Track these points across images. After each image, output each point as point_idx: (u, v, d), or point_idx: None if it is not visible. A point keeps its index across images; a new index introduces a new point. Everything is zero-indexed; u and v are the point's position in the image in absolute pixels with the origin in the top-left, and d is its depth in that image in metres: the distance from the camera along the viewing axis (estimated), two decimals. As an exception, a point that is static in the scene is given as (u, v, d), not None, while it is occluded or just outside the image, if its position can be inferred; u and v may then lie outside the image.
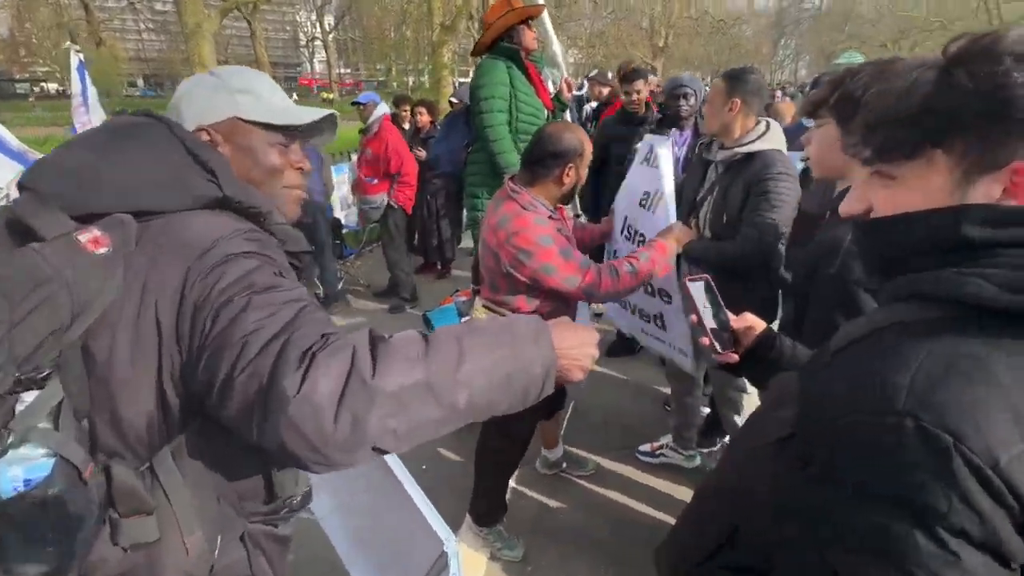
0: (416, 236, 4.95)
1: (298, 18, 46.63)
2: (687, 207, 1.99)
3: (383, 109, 4.11)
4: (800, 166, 2.90)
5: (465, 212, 2.87)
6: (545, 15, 2.62)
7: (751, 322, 0.92)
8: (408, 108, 4.94)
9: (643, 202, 1.97)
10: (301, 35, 48.18)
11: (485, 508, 1.99)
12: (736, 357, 0.91)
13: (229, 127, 0.82)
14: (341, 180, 5.29)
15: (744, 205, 1.76)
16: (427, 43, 18.30)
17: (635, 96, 3.12)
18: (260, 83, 0.87)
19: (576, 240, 1.86)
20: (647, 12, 24.86)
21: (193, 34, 13.69)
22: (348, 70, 51.68)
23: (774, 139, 1.78)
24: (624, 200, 2.14)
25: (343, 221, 5.31)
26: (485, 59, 2.53)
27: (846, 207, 0.63)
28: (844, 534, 0.47)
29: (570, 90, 2.94)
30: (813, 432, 0.52)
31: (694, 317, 0.93)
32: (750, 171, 1.75)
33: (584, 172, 1.66)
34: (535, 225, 1.55)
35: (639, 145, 2.06)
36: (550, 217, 1.62)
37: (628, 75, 3.21)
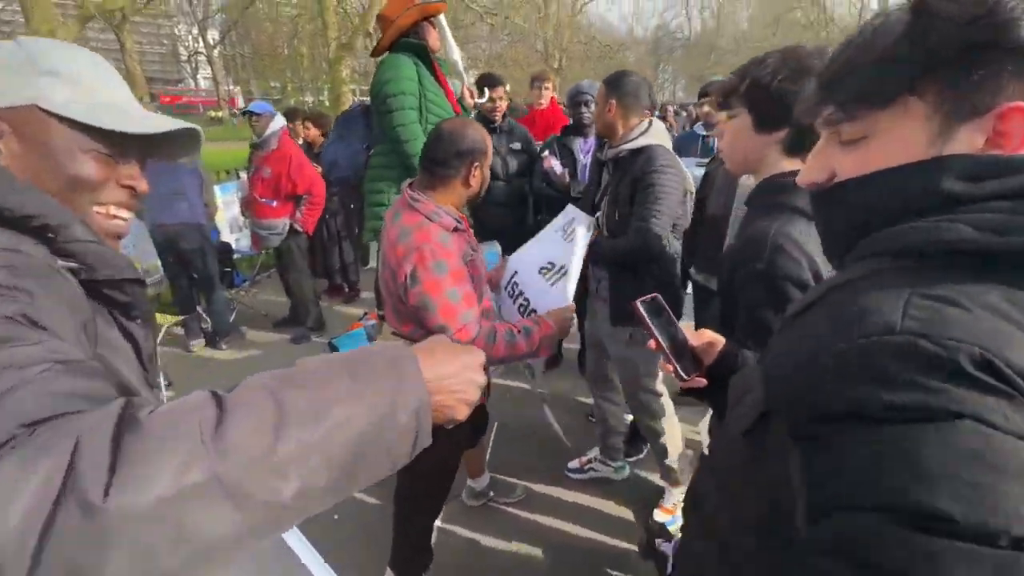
0: (317, 257, 4.59)
1: (177, 31, 43.01)
2: (589, 209, 2.01)
3: (280, 122, 3.68)
4: (699, 171, 3.03)
5: (367, 222, 2.56)
6: (443, 20, 2.43)
7: (710, 338, 0.85)
8: (302, 122, 4.58)
9: (544, 270, 1.84)
10: (182, 49, 44.44)
11: (408, 557, 1.76)
12: (704, 381, 0.83)
13: (23, 116, 0.61)
14: (230, 200, 4.78)
15: (632, 200, 1.81)
16: (323, 60, 17.62)
17: (497, 103, 2.92)
18: (83, 67, 0.66)
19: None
20: (541, 36, 26.00)
21: (44, 43, 12.07)
22: (237, 87, 48.59)
23: (656, 135, 1.85)
24: (524, 259, 1.99)
25: (234, 246, 4.80)
26: (389, 55, 2.31)
27: (805, 177, 0.57)
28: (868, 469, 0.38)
29: (473, 97, 2.79)
30: (794, 389, 0.46)
31: (652, 343, 0.85)
32: (635, 167, 1.81)
33: (488, 172, 1.54)
34: (436, 243, 1.37)
35: (565, 210, 1.97)
36: (455, 229, 1.45)
37: (484, 80, 3.01)
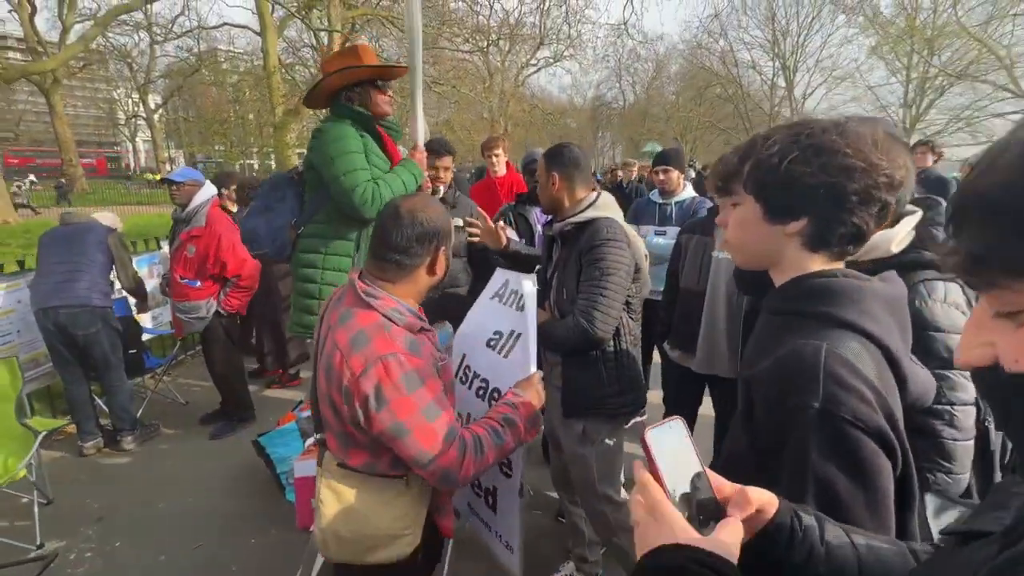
0: (249, 331, 4.11)
1: (115, 95, 41.89)
2: (541, 285, 1.82)
3: (210, 191, 3.25)
4: (658, 239, 2.91)
5: (294, 313, 2.15)
6: (418, 94, 2.03)
7: (759, 503, 0.56)
8: (234, 187, 4.21)
9: (491, 343, 1.64)
10: (121, 113, 43.17)
11: None
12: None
13: None
14: (147, 274, 4.28)
15: (579, 277, 1.65)
16: (270, 124, 17.45)
17: (441, 173, 2.63)
18: None
19: None
20: (487, 104, 27.14)
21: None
22: (179, 151, 47.44)
23: (604, 207, 1.72)
24: (467, 338, 1.78)
25: (148, 324, 4.25)
26: (332, 123, 1.99)
27: (964, 358, 0.41)
28: None
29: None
30: None
31: (656, 490, 0.54)
32: (581, 241, 1.67)
33: (451, 255, 1.31)
34: (405, 353, 1.10)
35: (494, 276, 1.79)
36: (421, 330, 1.20)
37: (429, 147, 2.48)
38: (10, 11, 22.36)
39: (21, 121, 41.18)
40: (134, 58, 29.77)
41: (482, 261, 2.56)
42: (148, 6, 19.04)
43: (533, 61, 29.70)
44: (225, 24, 26.18)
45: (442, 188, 2.67)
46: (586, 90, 38.31)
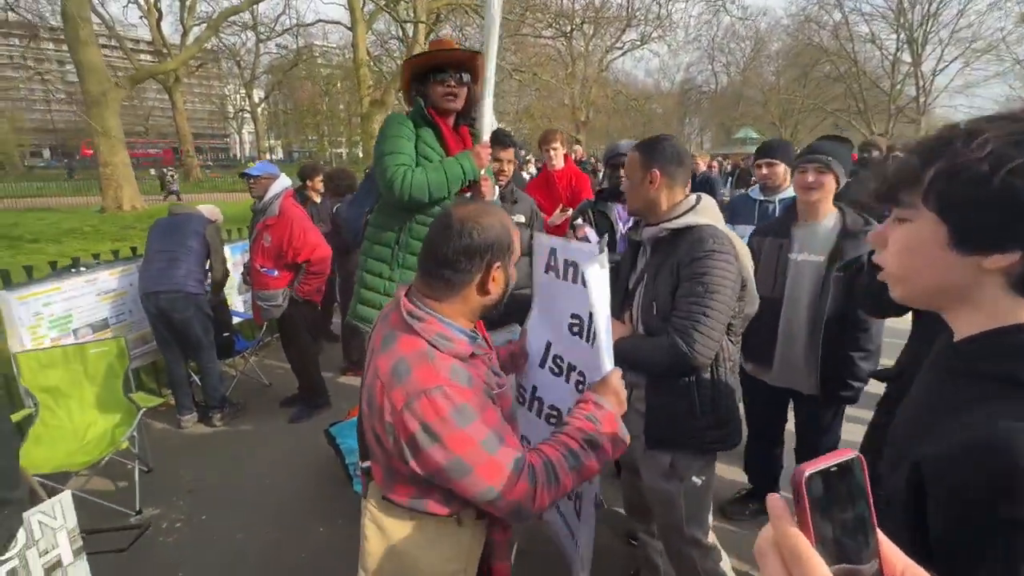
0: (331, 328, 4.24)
1: (226, 91, 45.94)
2: (620, 297, 1.61)
3: (284, 183, 3.36)
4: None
5: (353, 304, 2.11)
6: (489, 85, 1.90)
7: None
8: (319, 179, 4.35)
9: (574, 328, 1.44)
10: (229, 107, 47.36)
11: None
12: None
13: None
14: (238, 262, 4.55)
15: (675, 291, 1.42)
16: (358, 115, 18.26)
17: (504, 166, 2.51)
18: None
19: None
20: (568, 90, 26.55)
21: (96, 103, 12.80)
22: (279, 141, 51.18)
23: (707, 212, 1.50)
24: (542, 321, 1.60)
25: (239, 308, 4.52)
26: (390, 117, 1.96)
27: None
28: None
29: (477, 195, 2.11)
30: None
31: (802, 543, 0.35)
32: (679, 250, 1.43)
33: (514, 272, 1.14)
34: (451, 383, 0.97)
35: (535, 247, 1.60)
36: (473, 355, 1.06)
37: (492, 138, 2.30)
38: (141, 17, 25.11)
39: (150, 116, 46.40)
40: (242, 56, 32.36)
41: None
42: (254, 7, 20.56)
43: (619, 44, 28.64)
44: (320, 20, 27.70)
45: (503, 182, 2.54)
46: (674, 73, 36.46)
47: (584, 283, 1.30)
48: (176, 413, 3.54)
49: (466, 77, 1.95)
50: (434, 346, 1.01)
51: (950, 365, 0.62)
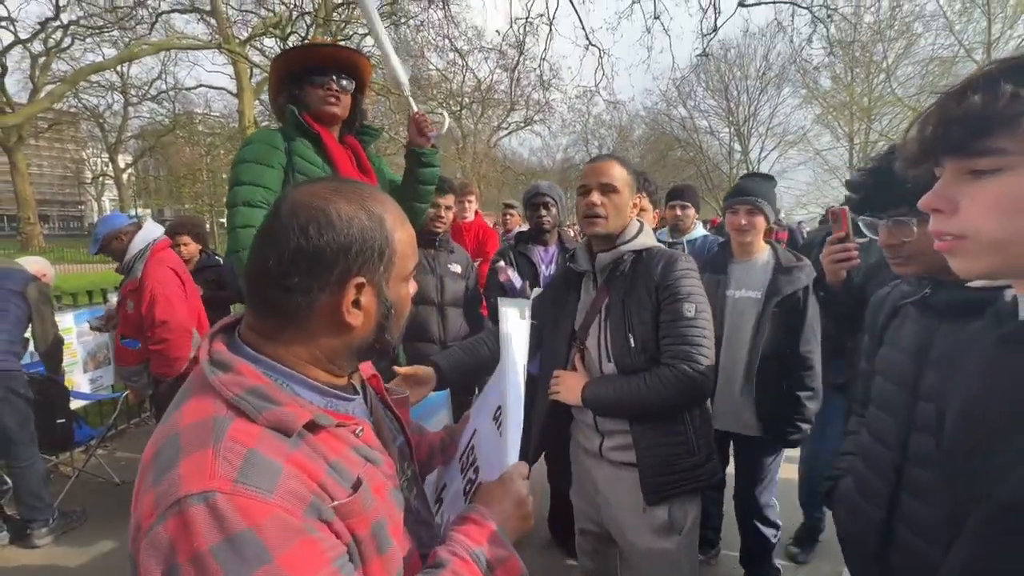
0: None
1: (84, 155, 41.31)
2: (565, 340, 1.46)
3: (149, 235, 2.72)
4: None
5: None
6: (373, 17, 1.68)
7: None
8: (186, 235, 3.70)
9: (497, 415, 1.09)
10: (88, 172, 42.43)
11: None
12: None
13: None
14: (82, 330, 3.76)
15: (657, 315, 1.32)
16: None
17: (443, 213, 2.35)
18: None
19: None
20: (460, 164, 27.79)
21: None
22: (147, 209, 46.62)
23: (651, 237, 1.47)
24: (480, 408, 1.25)
25: (85, 388, 3.69)
26: (251, 133, 1.70)
27: None
28: None
29: (423, 133, 1.79)
30: None
31: None
32: (649, 273, 1.35)
33: (407, 292, 0.74)
34: (238, 490, 0.54)
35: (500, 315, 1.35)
36: (316, 426, 0.64)
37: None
38: (-22, 71, 22.16)
39: (-20, 180, 40.02)
40: (106, 119, 29.60)
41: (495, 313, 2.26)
42: (123, 67, 19.13)
43: (504, 125, 30.85)
44: (203, 86, 26.51)
45: (441, 228, 2.38)
46: (555, 152, 39.84)
47: (506, 344, 1.05)
48: (-24, 534, 2.66)
49: (349, 84, 1.69)
50: (237, 409, 0.60)
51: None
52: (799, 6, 9.41)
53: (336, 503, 0.61)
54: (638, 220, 1.46)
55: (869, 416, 1.08)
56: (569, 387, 1.38)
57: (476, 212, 3.71)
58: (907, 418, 0.96)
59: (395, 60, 1.77)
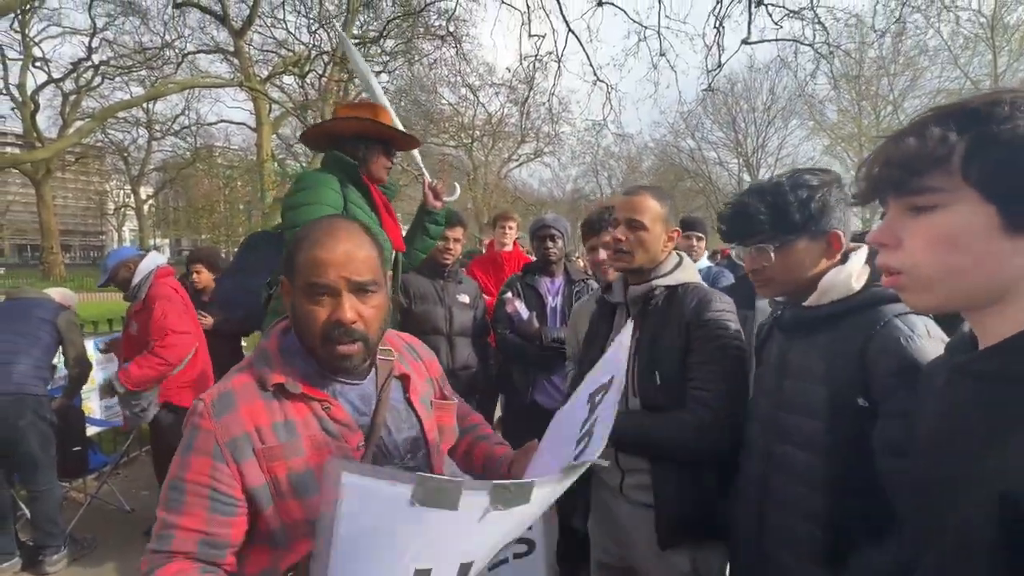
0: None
1: (107, 187, 42.72)
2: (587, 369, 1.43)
3: (152, 263, 2.85)
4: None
5: None
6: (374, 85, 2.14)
7: None
8: (200, 264, 3.80)
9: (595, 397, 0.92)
10: (110, 203, 43.77)
11: None
12: None
13: None
14: (104, 359, 3.85)
15: (685, 355, 1.28)
16: (260, 212, 17.74)
17: (452, 245, 2.46)
18: None
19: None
20: (471, 195, 28.21)
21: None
22: (166, 240, 47.76)
23: (693, 272, 1.43)
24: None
25: (98, 415, 3.76)
26: (310, 172, 1.84)
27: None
28: None
29: (438, 197, 2.11)
30: None
31: None
32: (682, 308, 1.32)
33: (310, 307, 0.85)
34: (207, 406, 0.85)
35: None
36: (285, 391, 0.86)
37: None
38: (13, 110, 23.23)
39: (8, 211, 41.41)
40: (131, 152, 30.69)
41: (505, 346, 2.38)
42: (149, 104, 19.97)
43: (515, 156, 31.43)
44: (223, 121, 27.49)
45: (450, 260, 2.48)
46: (565, 183, 40.34)
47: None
48: (-11, 560, 2.68)
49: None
50: (248, 364, 0.91)
51: (983, 373, 0.56)
52: (802, 43, 9.60)
53: (264, 446, 0.83)
54: (678, 254, 1.43)
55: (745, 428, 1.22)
56: None
57: (515, 242, 3.51)
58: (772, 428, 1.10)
59: (393, 114, 2.03)
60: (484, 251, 3.51)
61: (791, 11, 8.71)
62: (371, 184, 1.87)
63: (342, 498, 0.64)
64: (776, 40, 9.63)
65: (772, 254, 1.07)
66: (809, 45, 9.49)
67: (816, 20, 8.91)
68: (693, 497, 1.26)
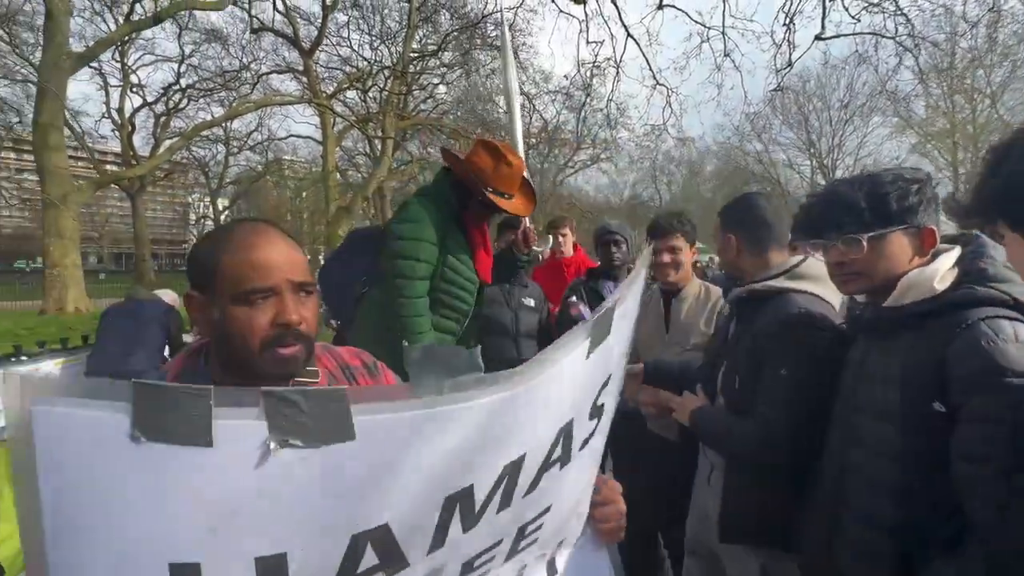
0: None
1: (190, 199, 46.45)
2: (706, 371, 1.50)
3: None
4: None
5: None
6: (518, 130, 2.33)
7: None
8: None
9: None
10: (192, 214, 47.59)
11: None
12: None
13: None
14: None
15: (759, 366, 1.26)
16: (323, 221, 18.70)
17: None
18: None
19: None
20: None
21: (53, 205, 12.57)
22: (240, 248, 51.05)
23: (808, 277, 1.31)
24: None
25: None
26: (416, 201, 1.88)
27: None
28: None
29: (528, 244, 2.31)
30: None
31: None
32: (764, 318, 1.28)
33: (234, 316, 0.75)
34: None
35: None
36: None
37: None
38: (113, 131, 25.77)
39: (108, 223, 45.86)
40: (210, 167, 33.23)
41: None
42: (227, 123, 21.60)
43: (571, 163, 31.25)
44: (292, 136, 29.21)
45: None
46: (623, 189, 39.63)
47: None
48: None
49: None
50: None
51: None
52: (883, 36, 9.02)
53: None
54: (797, 257, 1.38)
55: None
56: (685, 407, 1.41)
57: (575, 245, 3.41)
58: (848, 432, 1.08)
59: (520, 135, 2.12)
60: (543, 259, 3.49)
61: (871, 3, 8.22)
62: (474, 227, 1.98)
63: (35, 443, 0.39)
64: (854, 35, 9.12)
65: (865, 244, 1.02)
66: (891, 38, 8.91)
67: (898, 12, 8.36)
68: (759, 499, 1.26)
